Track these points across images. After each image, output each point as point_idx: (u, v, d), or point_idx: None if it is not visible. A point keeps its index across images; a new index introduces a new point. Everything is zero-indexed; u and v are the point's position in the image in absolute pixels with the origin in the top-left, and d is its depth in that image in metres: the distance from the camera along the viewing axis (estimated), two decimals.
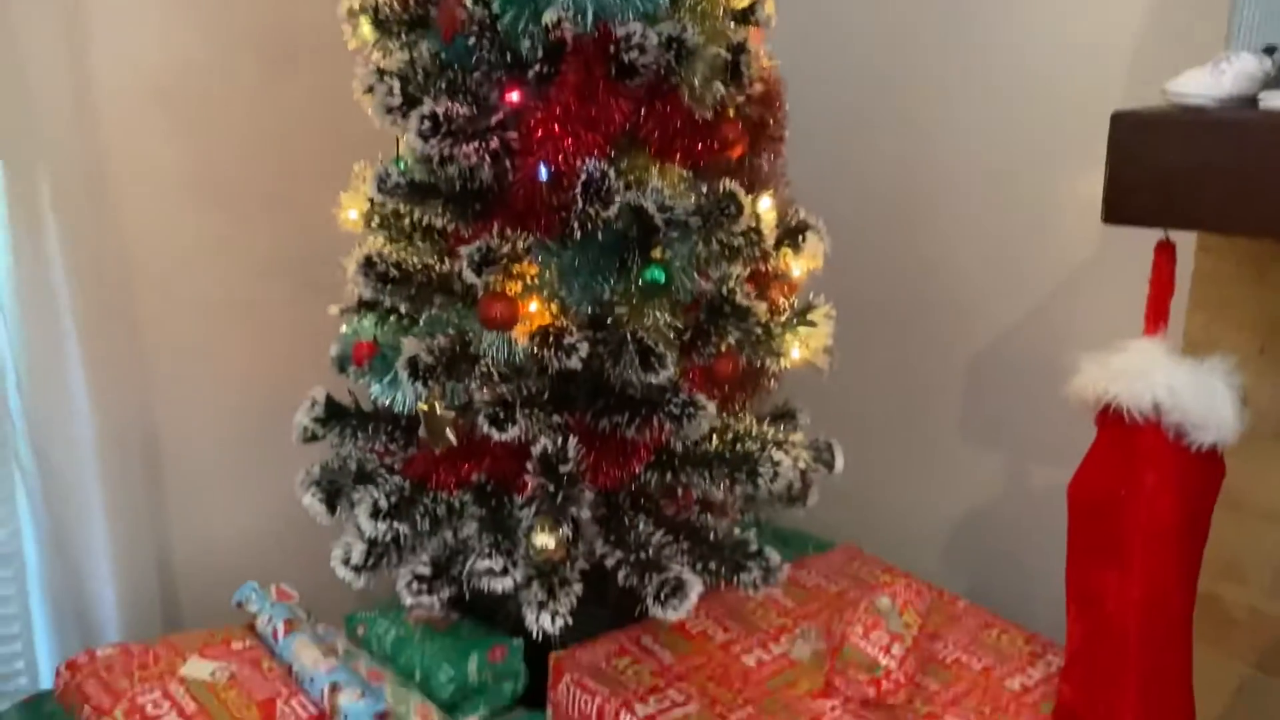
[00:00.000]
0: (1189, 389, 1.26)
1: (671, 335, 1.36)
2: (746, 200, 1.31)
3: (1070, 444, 1.42)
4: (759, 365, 1.49)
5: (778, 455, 1.37)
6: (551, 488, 1.29)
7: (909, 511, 1.99)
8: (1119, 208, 1.26)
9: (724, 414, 1.48)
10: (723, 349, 1.39)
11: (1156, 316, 1.30)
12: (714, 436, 1.43)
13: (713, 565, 1.39)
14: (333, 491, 1.46)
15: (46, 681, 1.62)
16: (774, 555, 1.39)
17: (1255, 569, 1.43)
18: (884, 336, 1.96)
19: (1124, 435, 1.30)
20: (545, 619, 1.30)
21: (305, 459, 1.55)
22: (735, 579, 1.38)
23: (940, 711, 1.40)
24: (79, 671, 1.42)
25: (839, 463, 1.58)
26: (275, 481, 1.70)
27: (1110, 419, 1.31)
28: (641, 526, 1.39)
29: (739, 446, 1.39)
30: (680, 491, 1.46)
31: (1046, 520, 1.80)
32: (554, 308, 1.31)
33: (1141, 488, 1.29)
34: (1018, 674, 1.49)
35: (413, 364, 1.27)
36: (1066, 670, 1.40)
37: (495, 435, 1.28)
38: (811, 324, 1.48)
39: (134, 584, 1.63)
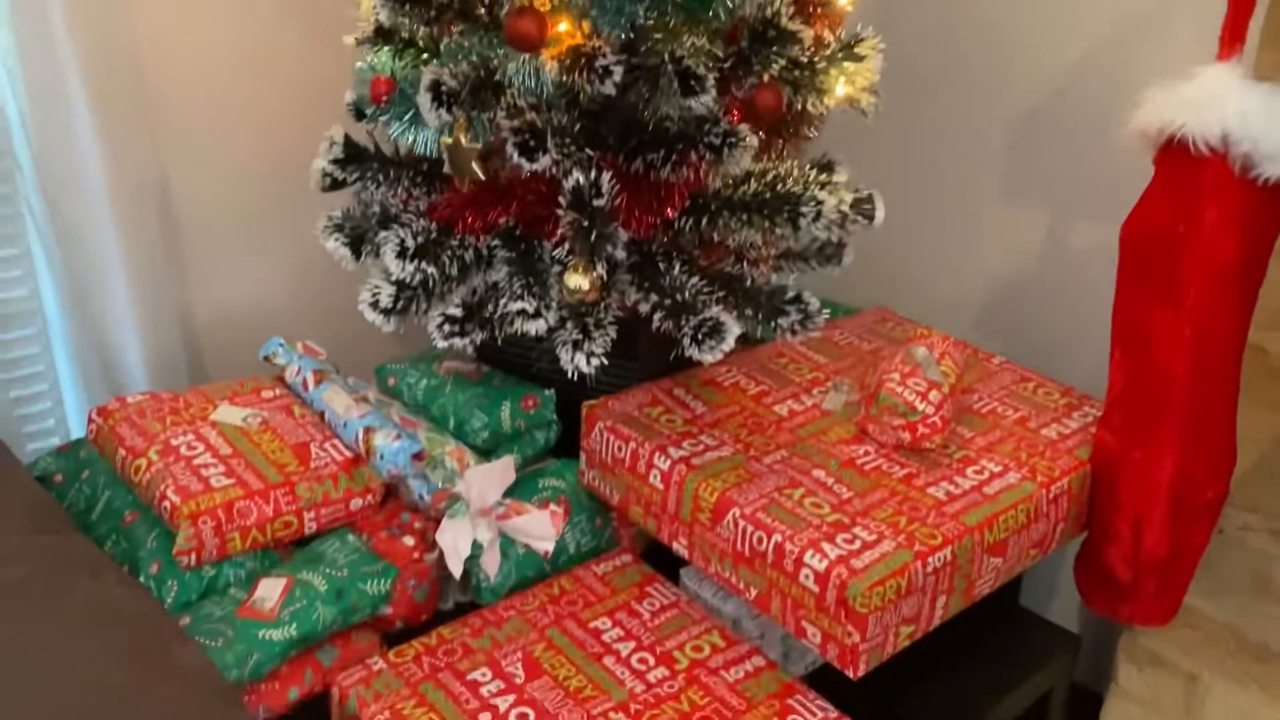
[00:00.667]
0: (1262, 116, 1.18)
1: (710, 64, 1.28)
2: None
3: (1115, 200, 1.36)
4: (801, 108, 1.41)
5: (821, 195, 1.31)
6: (585, 223, 1.24)
7: (941, 277, 1.94)
8: None
9: (764, 158, 1.42)
10: (764, 79, 1.31)
11: (1233, 39, 1.21)
12: (752, 180, 1.36)
13: (749, 312, 1.36)
14: (357, 236, 1.41)
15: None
16: (813, 300, 1.35)
17: None
18: (923, 86, 1.86)
19: (1186, 169, 1.23)
20: (580, 359, 1.27)
21: (326, 212, 1.50)
22: (773, 324, 1.35)
23: (976, 456, 1.39)
24: (110, 417, 1.41)
25: (879, 213, 1.52)
26: (295, 238, 1.66)
27: (1173, 153, 1.24)
28: (676, 271, 1.34)
29: (780, 187, 1.33)
30: (715, 239, 1.41)
31: (1086, 283, 1.75)
32: (585, 28, 1.22)
33: (1202, 224, 1.23)
34: (1054, 423, 1.47)
35: (435, 88, 1.19)
36: (1106, 416, 1.39)
37: (525, 165, 1.22)
38: (859, 58, 1.39)
39: (158, 339, 1.62)
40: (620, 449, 1.41)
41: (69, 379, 1.66)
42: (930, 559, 1.22)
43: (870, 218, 1.53)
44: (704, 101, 1.21)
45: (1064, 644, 1.66)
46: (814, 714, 1.24)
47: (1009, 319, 1.87)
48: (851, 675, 1.21)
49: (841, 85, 1.39)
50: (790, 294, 1.36)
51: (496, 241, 1.36)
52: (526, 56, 1.22)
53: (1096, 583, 1.43)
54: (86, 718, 0.99)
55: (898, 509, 1.29)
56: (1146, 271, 1.30)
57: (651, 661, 1.29)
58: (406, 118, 1.36)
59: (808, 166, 1.45)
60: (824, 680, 1.31)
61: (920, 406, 1.38)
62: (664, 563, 1.48)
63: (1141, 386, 1.32)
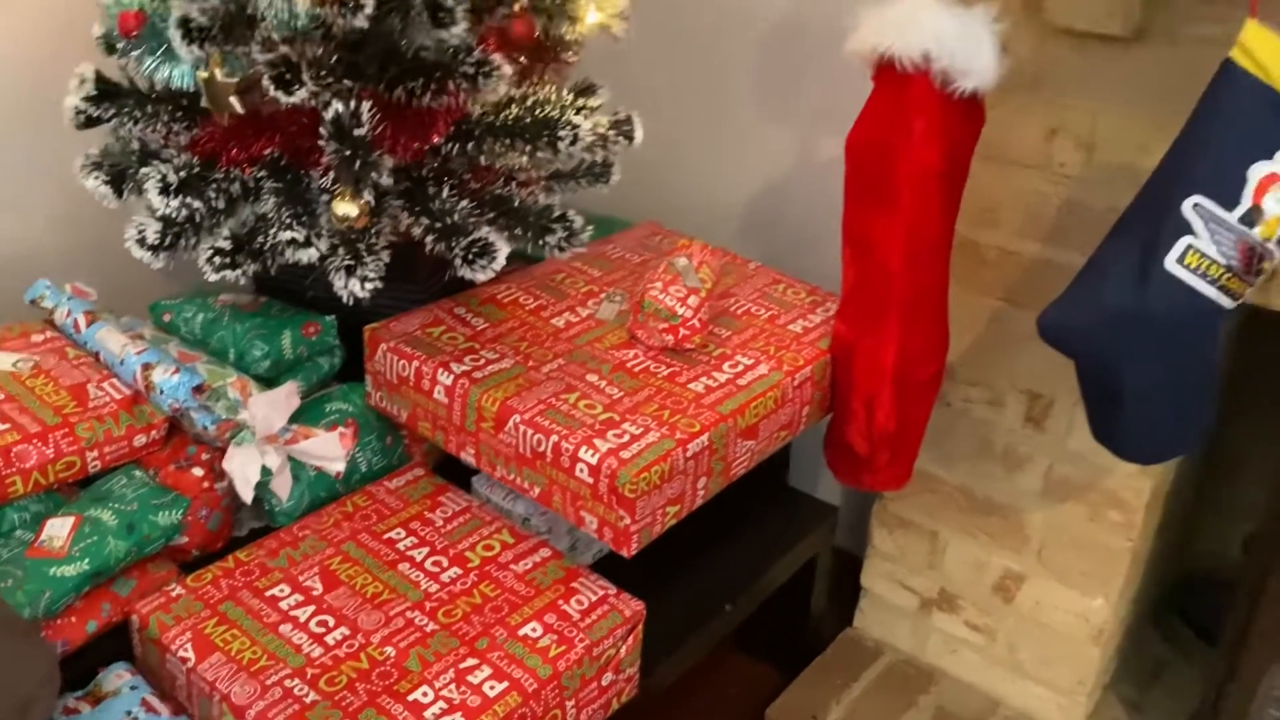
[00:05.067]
0: (955, 36, 1.34)
1: None
2: None
3: (848, 117, 1.50)
4: (555, 34, 1.49)
5: (577, 119, 1.40)
6: (348, 152, 1.28)
7: (708, 190, 2.08)
8: None
9: (524, 83, 1.49)
10: (516, 9, 1.37)
11: None
12: (513, 105, 1.43)
13: (519, 231, 1.44)
14: (117, 174, 1.40)
15: None
16: (577, 218, 1.44)
17: (1007, 213, 1.60)
18: (680, 8, 1.97)
19: (896, 84, 1.38)
20: (354, 285, 1.33)
21: (86, 149, 1.47)
22: (541, 242, 1.44)
23: (732, 352, 1.54)
24: None
25: (638, 134, 1.62)
26: (55, 177, 1.61)
27: (884, 70, 1.39)
28: (446, 195, 1.41)
29: (538, 113, 1.41)
30: (483, 163, 1.47)
31: (829, 192, 1.92)
32: None
33: (911, 133, 1.39)
34: (800, 319, 1.64)
35: (184, 24, 1.20)
36: (841, 309, 1.55)
37: (282, 98, 1.24)
38: None
39: None
40: (404, 368, 1.48)
41: None
42: (690, 445, 1.36)
43: (630, 138, 1.63)
44: (456, 32, 1.27)
45: (823, 515, 1.87)
46: (595, 592, 1.37)
47: (767, 226, 2.03)
48: (626, 554, 1.34)
49: (593, 12, 1.47)
50: (556, 213, 1.45)
51: (263, 173, 1.39)
52: None
53: (841, 457, 1.61)
54: None
55: (662, 404, 1.42)
56: (867, 179, 1.45)
57: (445, 563, 1.38)
58: (159, 52, 1.35)
59: (568, 91, 1.53)
60: (612, 563, 1.44)
61: (680, 311, 1.51)
62: (457, 474, 1.57)
63: (867, 282, 1.49)
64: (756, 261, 1.81)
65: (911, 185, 1.41)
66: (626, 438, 1.35)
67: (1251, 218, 1.18)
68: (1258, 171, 1.17)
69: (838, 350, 1.55)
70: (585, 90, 1.66)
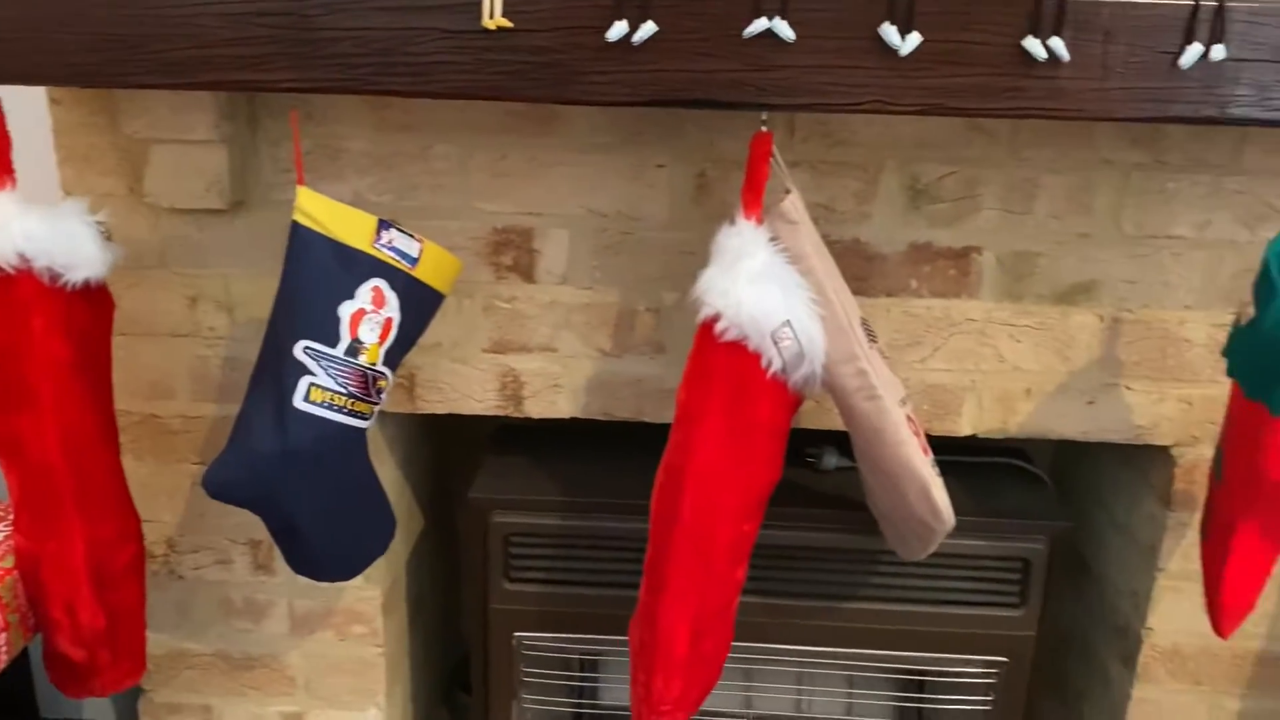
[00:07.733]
0: (47, 234, 1.35)
1: None
2: None
3: None
4: None
5: None
6: None
7: None
8: None
9: None
10: None
11: (3, 171, 1.36)
12: None
13: None
14: None
15: None
16: None
17: (179, 382, 1.65)
18: None
19: (5, 287, 1.35)
20: None
21: None
22: None
23: None
24: None
25: None
26: None
27: None
28: None
29: None
30: None
31: None
32: None
33: (32, 332, 1.37)
34: None
35: None
36: (15, 521, 1.46)
37: None
38: None
39: None
40: None
41: None
42: None
43: None
44: None
45: None
46: None
47: None
48: None
49: None
50: None
51: None
52: None
53: (62, 672, 1.51)
54: None
55: None
56: (1, 384, 1.39)
57: None
58: None
59: None
60: None
61: None
62: None
63: (32, 487, 1.42)
64: None
65: (49, 381, 1.39)
66: None
67: (355, 349, 1.37)
68: (347, 310, 1.36)
69: (23, 564, 1.45)
70: None
